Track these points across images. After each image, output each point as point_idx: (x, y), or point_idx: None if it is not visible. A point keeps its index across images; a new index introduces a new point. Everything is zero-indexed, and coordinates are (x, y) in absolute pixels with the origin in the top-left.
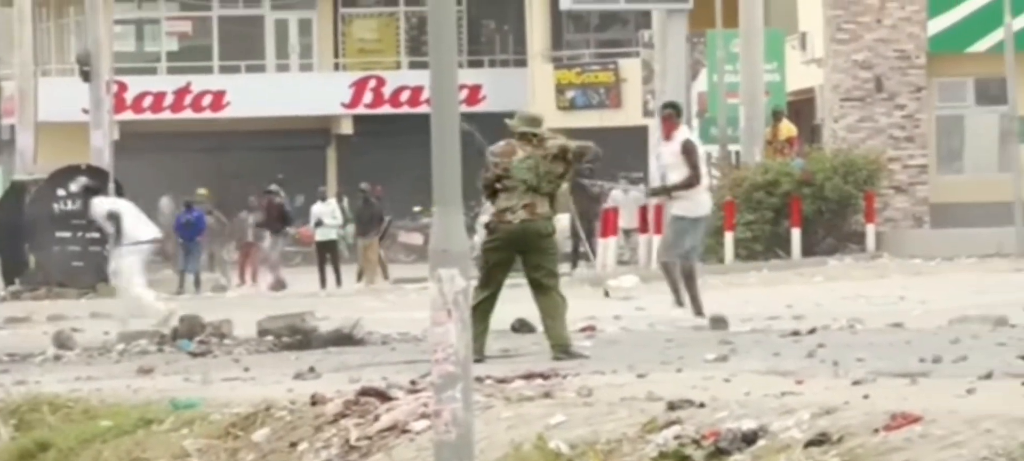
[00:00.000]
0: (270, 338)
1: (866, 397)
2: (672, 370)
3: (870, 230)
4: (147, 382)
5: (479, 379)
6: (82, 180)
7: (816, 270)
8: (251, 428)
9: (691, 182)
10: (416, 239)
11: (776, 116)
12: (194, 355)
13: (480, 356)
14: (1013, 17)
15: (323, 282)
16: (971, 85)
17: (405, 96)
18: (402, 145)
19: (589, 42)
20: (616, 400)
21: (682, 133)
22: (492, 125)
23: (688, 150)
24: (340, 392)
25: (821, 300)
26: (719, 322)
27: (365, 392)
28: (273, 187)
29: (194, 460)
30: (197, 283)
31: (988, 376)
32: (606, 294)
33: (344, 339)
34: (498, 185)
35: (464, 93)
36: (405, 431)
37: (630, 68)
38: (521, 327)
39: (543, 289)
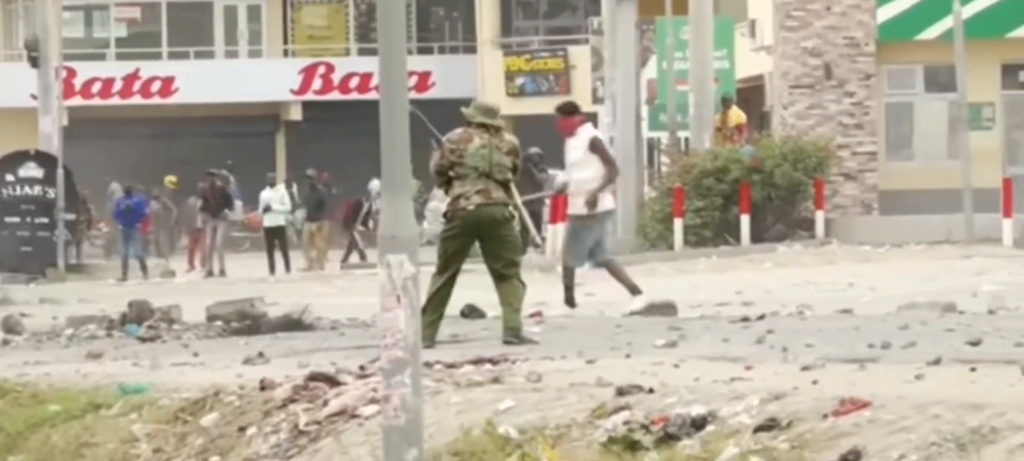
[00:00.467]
0: (219, 323)
1: (815, 383)
2: (621, 356)
3: (819, 217)
4: (96, 367)
5: (428, 364)
6: None
7: (765, 257)
8: (200, 413)
9: (613, 176)
10: None
11: (725, 103)
12: (143, 340)
13: (431, 343)
14: (962, 5)
15: (272, 268)
16: (920, 72)
17: (354, 83)
18: (351, 131)
19: (538, 29)
20: (565, 386)
21: (587, 131)
22: (441, 112)
23: (596, 146)
24: (289, 377)
25: (770, 286)
26: (667, 308)
27: (314, 377)
28: (214, 170)
29: (143, 445)
30: (143, 268)
31: (937, 362)
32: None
33: (293, 324)
34: (451, 172)
35: (413, 80)
36: (354, 416)
37: (579, 55)
38: (471, 312)
39: (504, 279)
